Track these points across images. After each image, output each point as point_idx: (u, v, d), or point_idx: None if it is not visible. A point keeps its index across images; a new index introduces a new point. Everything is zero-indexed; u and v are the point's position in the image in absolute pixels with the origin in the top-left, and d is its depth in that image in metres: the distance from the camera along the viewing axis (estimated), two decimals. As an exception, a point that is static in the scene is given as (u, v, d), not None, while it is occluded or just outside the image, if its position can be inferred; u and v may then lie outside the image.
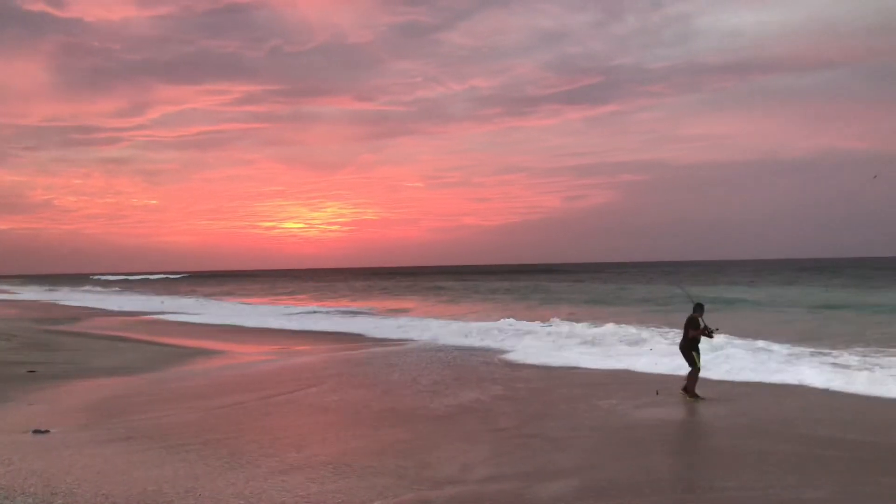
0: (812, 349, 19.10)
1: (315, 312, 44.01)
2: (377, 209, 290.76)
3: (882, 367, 16.05)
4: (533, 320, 29.84)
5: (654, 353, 19.45)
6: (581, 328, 26.30)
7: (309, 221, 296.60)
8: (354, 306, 51.54)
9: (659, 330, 24.23)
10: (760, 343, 19.70)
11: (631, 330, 24.60)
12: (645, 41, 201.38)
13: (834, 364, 16.65)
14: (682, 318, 14.21)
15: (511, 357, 20.64)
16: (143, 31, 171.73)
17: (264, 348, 25.05)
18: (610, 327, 25.58)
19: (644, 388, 15.12)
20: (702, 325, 13.71)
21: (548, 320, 29.61)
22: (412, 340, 26.52)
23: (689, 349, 13.76)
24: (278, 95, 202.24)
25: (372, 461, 9.38)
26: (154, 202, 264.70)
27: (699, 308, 13.99)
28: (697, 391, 13.70)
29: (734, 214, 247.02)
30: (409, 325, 31.18)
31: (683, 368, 14.17)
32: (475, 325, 28.69)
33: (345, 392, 14.99)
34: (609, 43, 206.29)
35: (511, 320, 29.43)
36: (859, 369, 15.80)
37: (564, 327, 26.87)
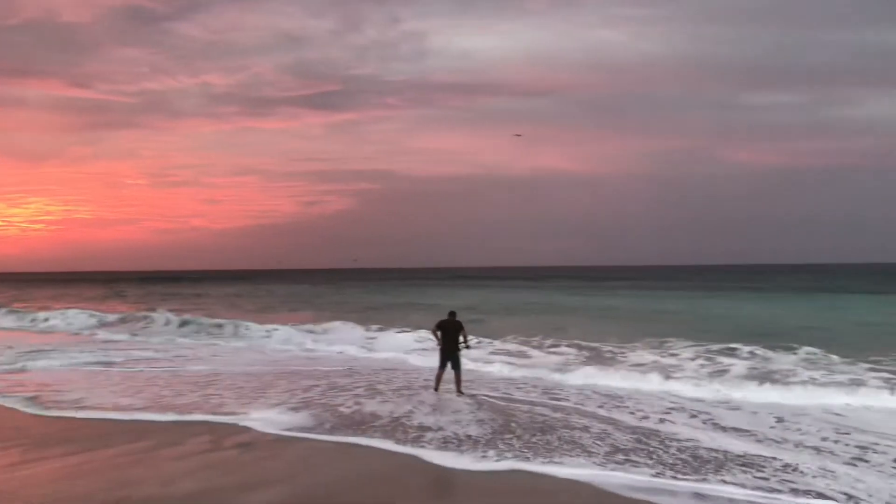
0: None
1: None
2: (92, 207, 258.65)
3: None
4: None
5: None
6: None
7: (7, 219, 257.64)
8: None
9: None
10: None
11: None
12: (382, 54, 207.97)
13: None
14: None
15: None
16: None
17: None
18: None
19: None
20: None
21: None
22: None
23: (458, 350, 14.78)
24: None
25: (58, 486, 8.70)
26: None
27: (455, 314, 15.13)
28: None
29: (460, 225, 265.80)
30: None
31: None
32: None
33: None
34: (348, 52, 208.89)
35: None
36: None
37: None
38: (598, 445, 10.52)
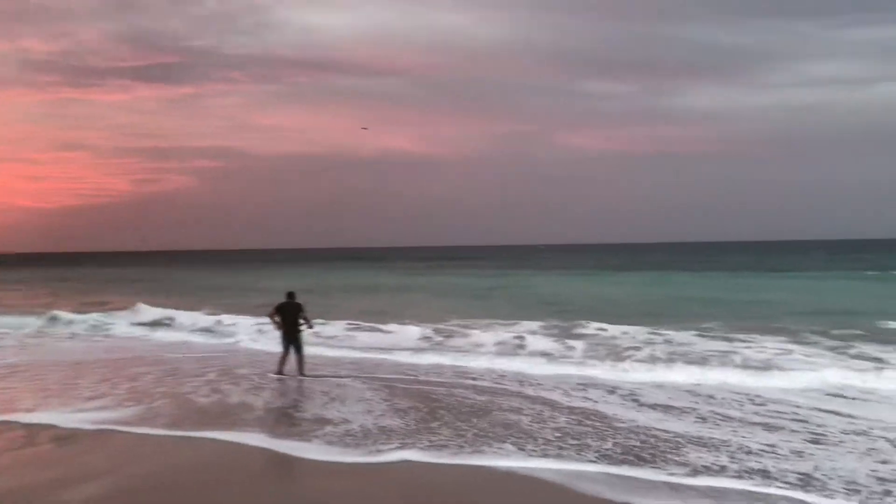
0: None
1: None
2: None
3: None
4: None
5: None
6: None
7: None
8: None
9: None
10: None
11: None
12: (223, 26, 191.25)
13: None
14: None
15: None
16: None
17: None
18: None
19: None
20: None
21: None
22: None
23: (299, 333, 13.59)
24: None
25: None
26: None
27: (294, 295, 13.71)
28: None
29: (303, 205, 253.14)
30: None
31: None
32: None
33: None
34: (186, 22, 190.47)
35: None
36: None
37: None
38: (537, 429, 9.11)
